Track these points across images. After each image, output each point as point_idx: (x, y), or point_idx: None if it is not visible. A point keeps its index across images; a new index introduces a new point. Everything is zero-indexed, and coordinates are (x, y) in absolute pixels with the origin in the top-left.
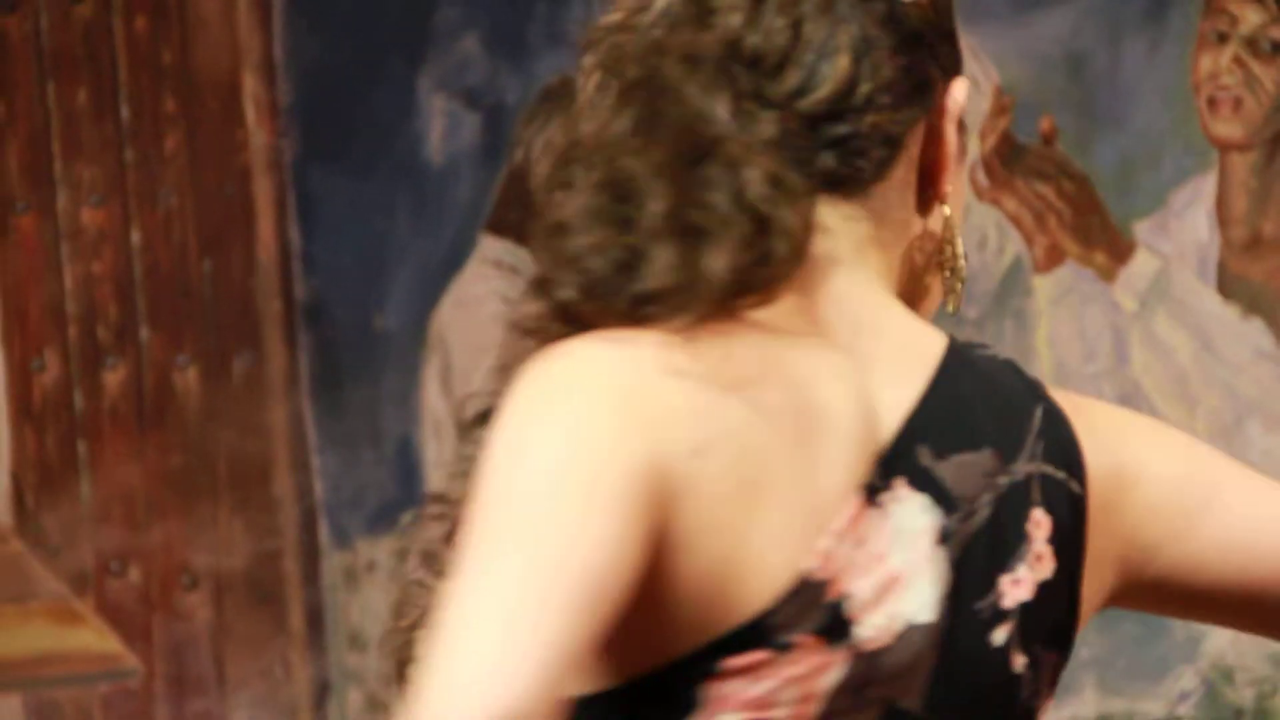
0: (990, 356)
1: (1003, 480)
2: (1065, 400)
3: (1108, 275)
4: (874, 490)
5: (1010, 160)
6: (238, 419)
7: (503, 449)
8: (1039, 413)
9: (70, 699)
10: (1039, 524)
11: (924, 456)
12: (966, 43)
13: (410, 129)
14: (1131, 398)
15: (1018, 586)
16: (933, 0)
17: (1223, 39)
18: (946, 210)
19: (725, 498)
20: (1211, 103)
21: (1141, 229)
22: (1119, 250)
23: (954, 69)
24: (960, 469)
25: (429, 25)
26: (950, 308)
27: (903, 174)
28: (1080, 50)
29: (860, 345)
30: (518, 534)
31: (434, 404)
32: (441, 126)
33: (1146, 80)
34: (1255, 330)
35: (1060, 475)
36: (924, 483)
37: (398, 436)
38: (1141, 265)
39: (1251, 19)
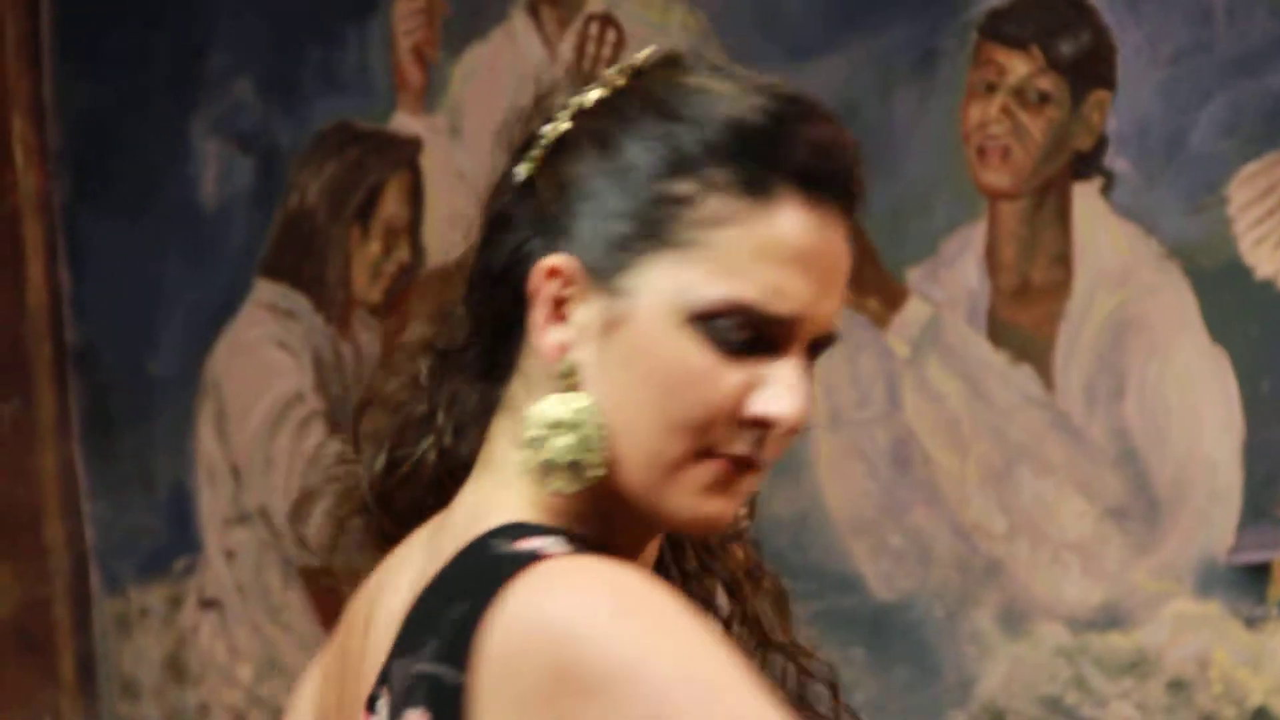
0: (481, 542)
1: (403, 683)
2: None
3: (880, 321)
4: (372, 700)
5: None
6: (6, 464)
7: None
8: (456, 607)
9: None
10: None
11: (394, 663)
12: None
13: (183, 173)
14: (905, 443)
15: None
16: None
17: (991, 89)
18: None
19: None
20: (981, 152)
21: (913, 276)
22: (891, 297)
23: None
24: (401, 671)
25: (201, 69)
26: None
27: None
28: (852, 100)
29: (433, 542)
30: None
31: (208, 449)
32: (215, 170)
33: (917, 130)
34: (1024, 376)
35: (438, 669)
36: (388, 688)
37: (170, 482)
38: (913, 312)
39: (1019, 69)
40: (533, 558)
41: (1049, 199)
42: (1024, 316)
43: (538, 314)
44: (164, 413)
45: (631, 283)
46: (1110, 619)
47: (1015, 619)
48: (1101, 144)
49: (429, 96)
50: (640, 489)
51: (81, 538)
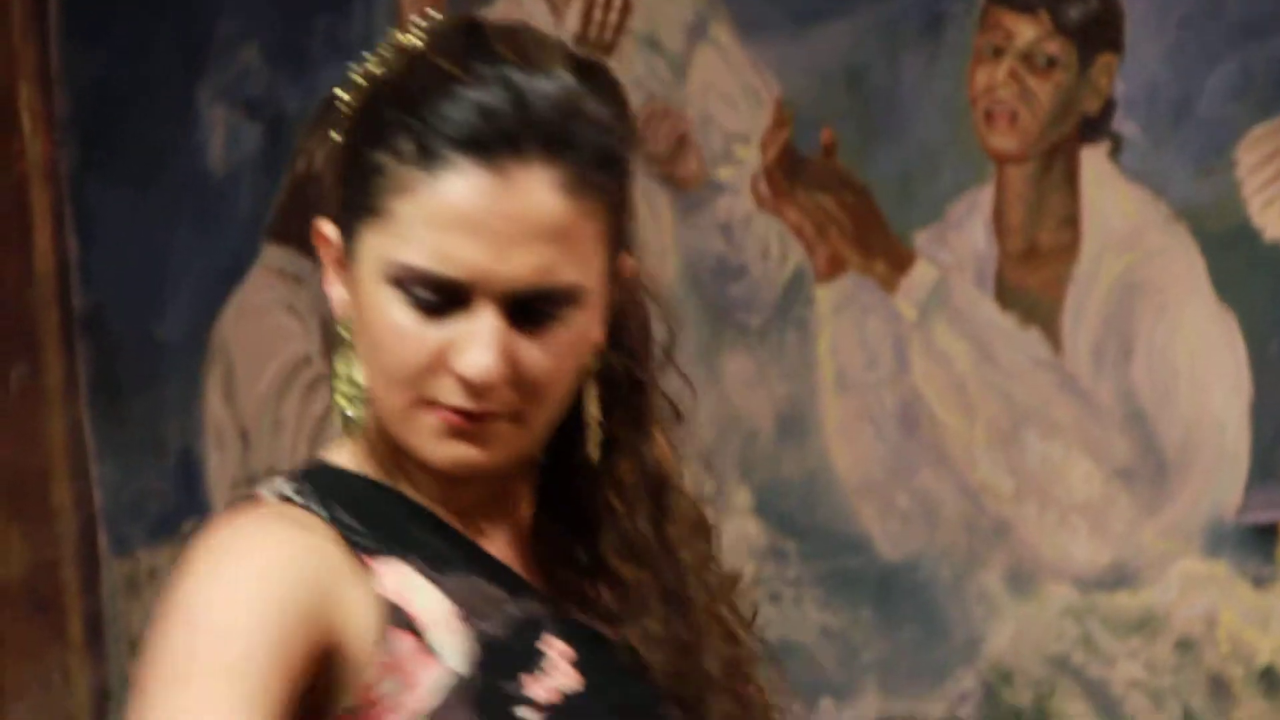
0: None
1: None
2: None
3: (888, 285)
4: None
5: (791, 172)
6: (15, 429)
7: None
8: None
9: None
10: None
11: None
12: (747, 56)
13: (190, 139)
14: (912, 405)
15: None
16: None
17: (998, 53)
18: None
19: None
20: (988, 116)
21: (921, 239)
22: (899, 260)
23: None
24: None
25: (208, 36)
26: None
27: None
28: (859, 64)
29: None
30: None
31: (216, 413)
32: (222, 137)
33: (924, 94)
34: (1032, 339)
35: None
36: None
37: (179, 445)
38: (921, 275)
39: (1026, 33)
40: (248, 498)
41: (1056, 162)
42: (1032, 279)
43: (325, 276)
44: (172, 377)
45: (357, 248)
46: (1118, 579)
47: (1023, 579)
48: (1109, 107)
49: None
50: (395, 438)
51: (90, 500)
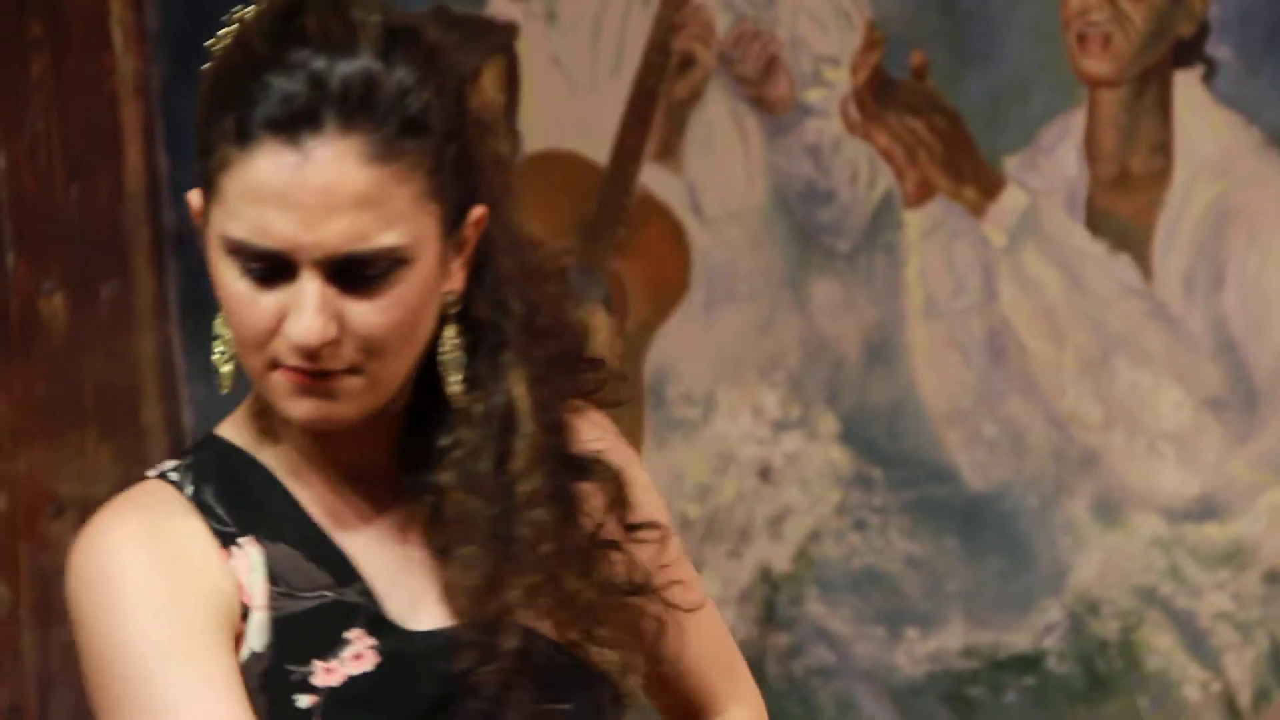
0: None
1: None
2: None
3: (977, 210)
4: None
5: (881, 95)
6: (105, 347)
7: None
8: None
9: None
10: None
11: None
12: None
13: None
14: (1000, 332)
15: None
16: None
17: None
18: None
19: None
20: (1081, 39)
21: (1011, 164)
22: (989, 185)
23: None
24: None
25: None
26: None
27: None
28: None
29: None
30: None
31: None
32: None
33: (1016, 16)
34: (1123, 265)
35: None
36: None
37: None
38: (1011, 200)
39: None
40: (143, 478)
41: (1149, 87)
42: (1123, 205)
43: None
44: None
45: (207, 219)
46: (1207, 509)
47: (1110, 509)
48: (1203, 31)
49: None
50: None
51: (179, 420)
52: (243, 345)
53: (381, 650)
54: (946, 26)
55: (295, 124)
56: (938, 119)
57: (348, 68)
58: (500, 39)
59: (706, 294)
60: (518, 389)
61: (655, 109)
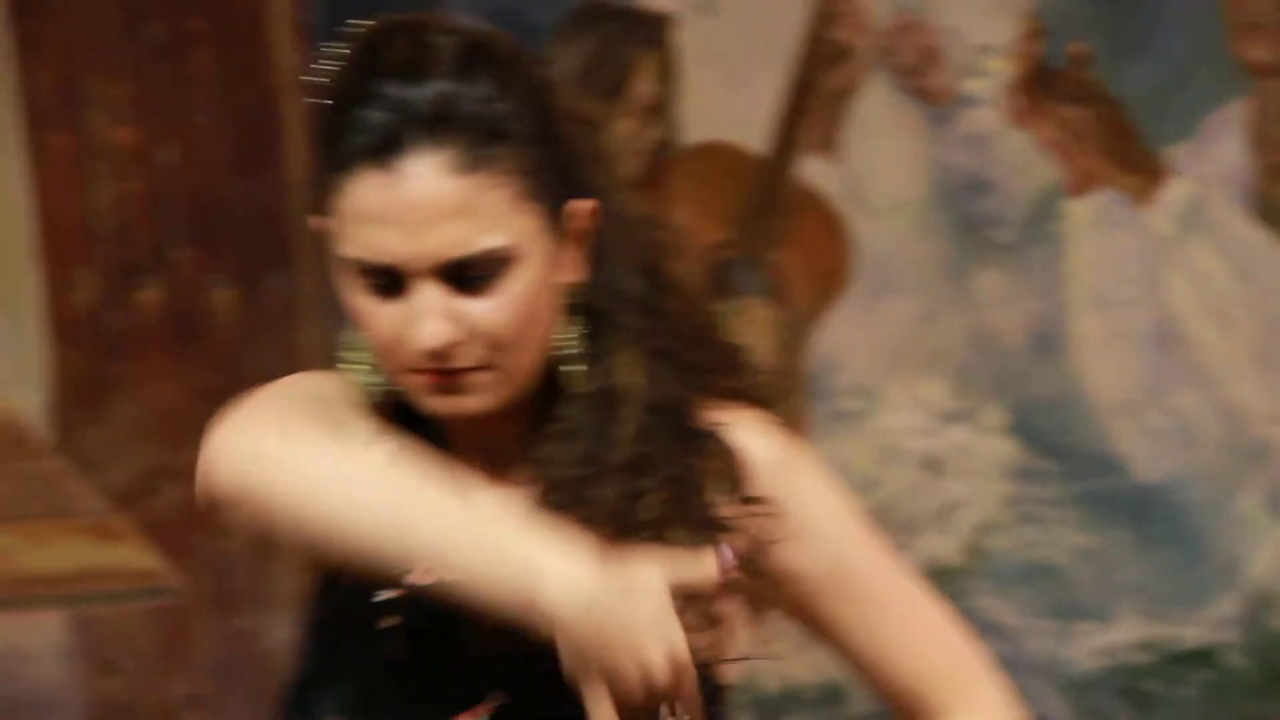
0: None
1: None
2: None
3: (1141, 199)
4: None
5: (1042, 85)
6: (269, 339)
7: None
8: None
9: (113, 615)
10: None
11: None
12: None
13: None
14: (1167, 323)
15: None
16: None
17: None
18: None
19: None
20: (1245, 28)
21: (1175, 154)
22: (1152, 174)
23: None
24: None
25: None
26: None
27: None
28: None
29: None
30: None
31: None
32: None
33: (1179, 5)
34: None
35: None
36: None
37: None
38: (1175, 190)
39: None
40: None
41: None
42: None
43: None
44: None
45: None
46: None
47: None
48: None
49: None
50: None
51: None
52: (378, 354)
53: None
54: (1106, 15)
55: (385, 150)
56: (1099, 108)
57: (427, 91)
58: (658, 31)
59: (869, 285)
60: (625, 369)
61: (813, 100)
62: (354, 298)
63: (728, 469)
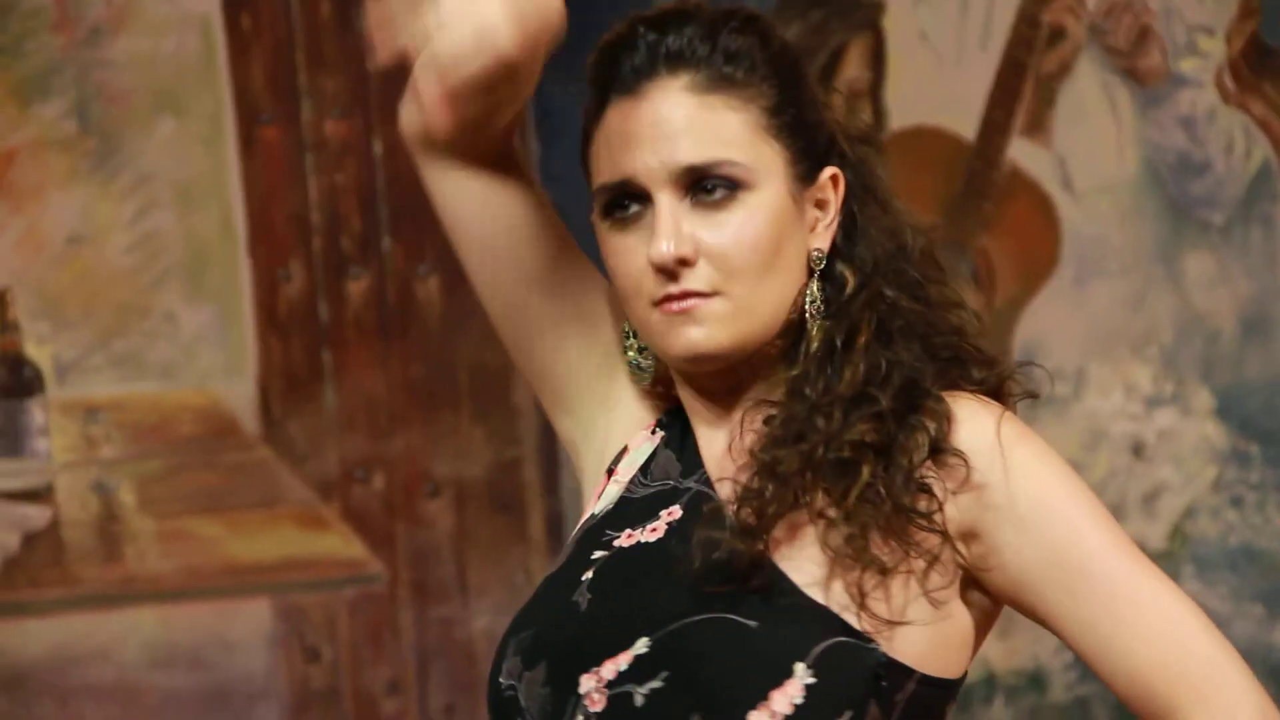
0: None
1: None
2: None
3: None
4: None
5: (1258, 64)
6: (478, 329)
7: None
8: None
9: (317, 603)
10: None
11: None
12: None
13: None
14: None
15: None
16: None
17: None
18: None
19: None
20: None
21: None
22: None
23: None
24: None
25: None
26: None
27: None
28: None
29: None
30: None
31: None
32: None
33: None
34: None
35: None
36: None
37: None
38: None
39: None
40: None
41: None
42: None
43: None
44: None
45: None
46: None
47: None
48: None
49: None
50: (658, 356)
51: None
52: (626, 298)
53: (671, 524)
54: None
55: (634, 79)
56: None
57: (681, 32)
58: (867, 15)
59: (1077, 269)
60: (858, 334)
61: (1024, 82)
62: (606, 246)
63: (940, 432)
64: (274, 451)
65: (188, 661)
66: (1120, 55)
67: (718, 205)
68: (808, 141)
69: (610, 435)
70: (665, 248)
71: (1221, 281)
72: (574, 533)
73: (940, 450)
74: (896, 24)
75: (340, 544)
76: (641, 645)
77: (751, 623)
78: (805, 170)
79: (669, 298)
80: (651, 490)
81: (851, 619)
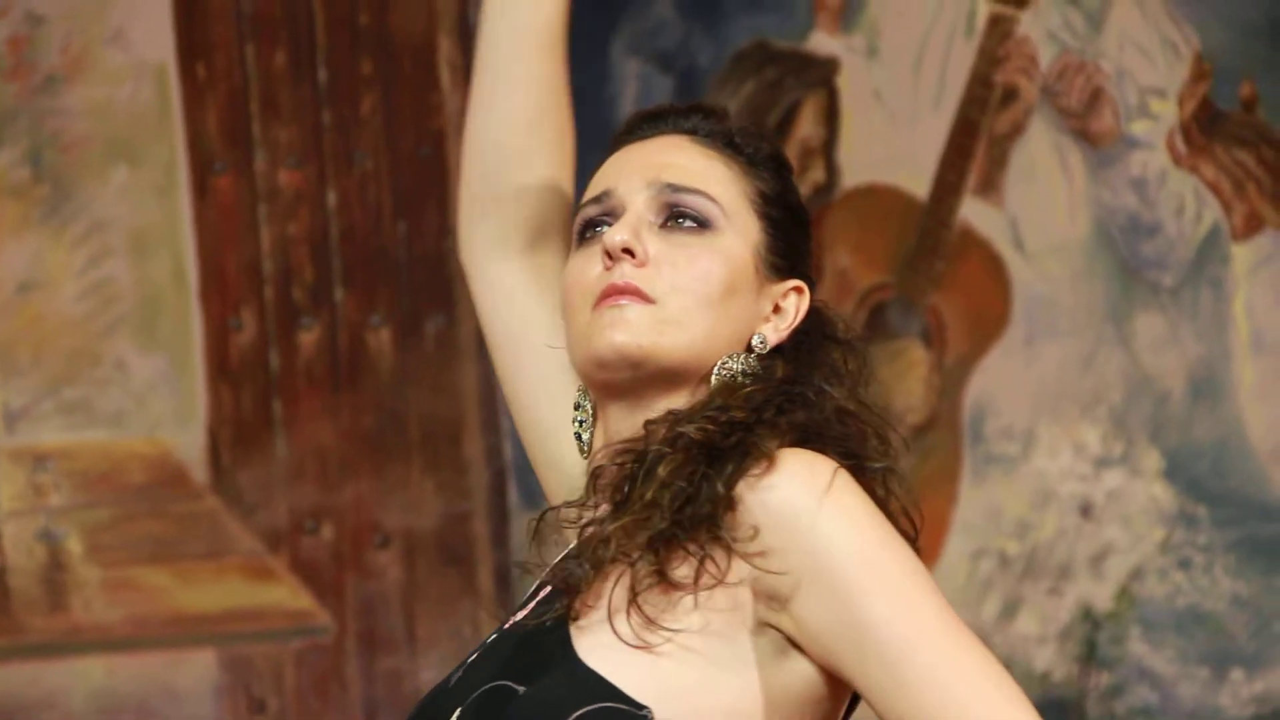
0: None
1: None
2: None
3: None
4: None
5: (1209, 127)
6: (430, 380)
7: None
8: None
9: (263, 654)
10: None
11: None
12: (1166, 8)
13: (602, 92)
14: None
15: None
16: None
17: None
18: None
19: None
20: None
21: None
22: None
23: None
24: None
25: None
26: None
27: None
28: None
29: None
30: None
31: None
32: (634, 89)
33: None
34: None
35: None
36: None
37: None
38: None
39: None
40: None
41: None
42: None
43: None
44: None
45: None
46: None
47: None
48: None
49: (846, 16)
50: (581, 369)
51: (500, 453)
52: (570, 310)
53: (540, 601)
54: (1276, 57)
55: (642, 129)
56: (1267, 151)
57: (704, 114)
58: (821, 73)
59: (1027, 329)
60: (748, 404)
61: (977, 142)
62: (566, 273)
63: (743, 468)
64: (223, 501)
65: (134, 711)
66: (1072, 116)
67: (684, 233)
68: (786, 245)
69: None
70: (620, 236)
71: (1171, 343)
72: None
73: (736, 494)
74: (851, 82)
75: (288, 595)
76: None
77: (520, 688)
78: (775, 264)
79: (611, 289)
80: (548, 568)
81: (628, 678)
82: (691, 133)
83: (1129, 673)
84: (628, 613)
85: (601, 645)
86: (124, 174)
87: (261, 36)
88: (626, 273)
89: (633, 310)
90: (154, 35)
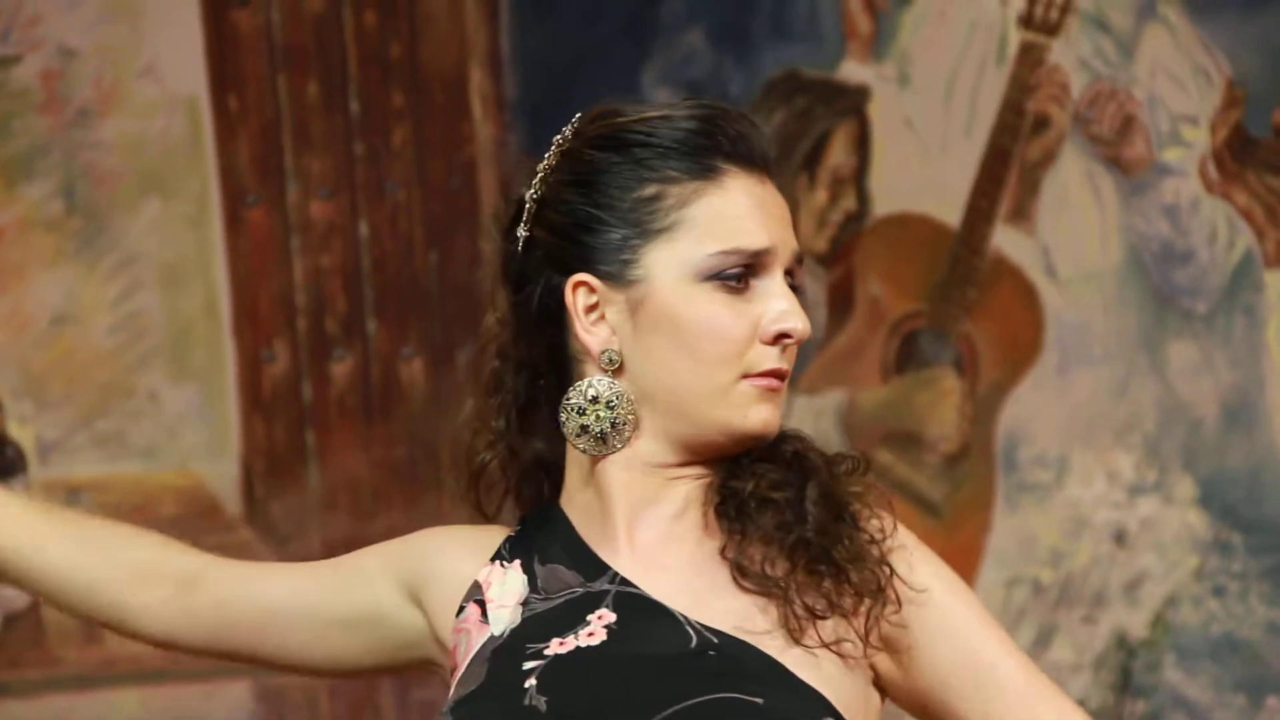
0: None
1: None
2: None
3: None
4: None
5: (1241, 154)
6: (461, 410)
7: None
8: None
9: (297, 685)
10: None
11: None
12: (1197, 35)
13: None
14: None
15: None
16: None
17: None
18: None
19: None
20: None
21: None
22: None
23: None
24: None
25: (654, 19)
26: None
27: None
28: None
29: None
30: None
31: None
32: None
33: None
34: None
35: None
36: None
37: None
38: None
39: None
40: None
41: None
42: None
43: (577, 324)
44: None
45: (643, 271)
46: None
47: None
48: None
49: (878, 44)
50: (695, 423)
51: None
52: (716, 365)
53: (613, 624)
54: None
55: (749, 157)
56: None
57: (765, 139)
58: (852, 102)
59: (1060, 356)
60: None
61: (1009, 170)
62: (698, 308)
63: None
64: (256, 533)
65: None
66: (1104, 144)
67: (796, 295)
68: None
69: (444, 600)
70: (803, 324)
71: (1205, 370)
72: (476, 652)
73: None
74: (882, 110)
75: None
76: None
77: (758, 700)
78: None
79: (774, 373)
80: (559, 600)
81: (834, 694)
82: (767, 172)
83: (1164, 700)
84: (819, 634)
85: (805, 664)
86: (156, 207)
87: (293, 68)
88: (790, 359)
89: (781, 392)
90: (186, 68)
